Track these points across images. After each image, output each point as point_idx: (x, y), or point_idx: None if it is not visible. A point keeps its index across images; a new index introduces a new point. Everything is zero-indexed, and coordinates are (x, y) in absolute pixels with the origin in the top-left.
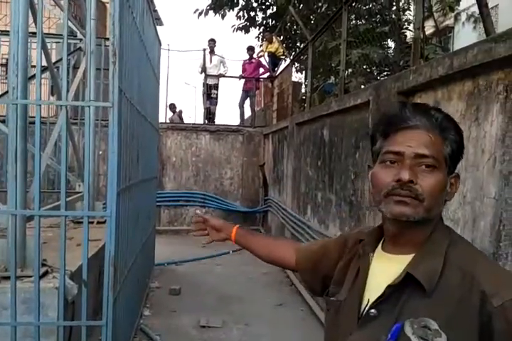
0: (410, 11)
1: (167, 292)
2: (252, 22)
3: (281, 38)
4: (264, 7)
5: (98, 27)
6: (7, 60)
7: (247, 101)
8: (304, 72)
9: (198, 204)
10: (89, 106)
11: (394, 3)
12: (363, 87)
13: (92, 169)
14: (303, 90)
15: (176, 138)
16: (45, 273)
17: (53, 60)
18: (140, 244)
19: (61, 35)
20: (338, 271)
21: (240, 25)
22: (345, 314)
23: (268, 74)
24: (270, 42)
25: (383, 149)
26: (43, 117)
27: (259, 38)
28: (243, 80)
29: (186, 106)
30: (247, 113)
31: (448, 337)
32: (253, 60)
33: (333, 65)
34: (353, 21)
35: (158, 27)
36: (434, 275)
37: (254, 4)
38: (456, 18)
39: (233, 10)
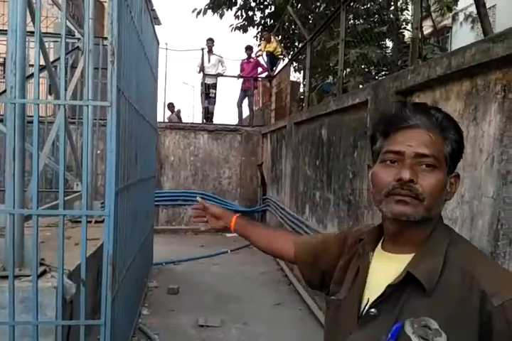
0: (408, 10)
1: (165, 291)
2: (250, 21)
3: (280, 37)
4: (262, 6)
5: (96, 26)
6: (5, 59)
7: (246, 101)
8: (302, 71)
9: (196, 203)
10: (87, 106)
11: (392, 3)
12: (361, 86)
13: (90, 168)
14: (301, 90)
15: (174, 137)
16: (43, 273)
17: (51, 59)
18: (138, 243)
19: (59, 34)
20: (338, 270)
21: (238, 25)
22: (345, 313)
23: (266, 73)
24: (268, 41)
25: (383, 149)
26: (41, 116)
27: (257, 37)
28: (241, 80)
29: (184, 105)
30: (246, 112)
31: (448, 336)
32: (251, 60)
33: (331, 64)
34: (351, 21)
35: (156, 26)
36: (434, 275)
37: (253, 4)
38: (454, 18)
39: (231, 9)
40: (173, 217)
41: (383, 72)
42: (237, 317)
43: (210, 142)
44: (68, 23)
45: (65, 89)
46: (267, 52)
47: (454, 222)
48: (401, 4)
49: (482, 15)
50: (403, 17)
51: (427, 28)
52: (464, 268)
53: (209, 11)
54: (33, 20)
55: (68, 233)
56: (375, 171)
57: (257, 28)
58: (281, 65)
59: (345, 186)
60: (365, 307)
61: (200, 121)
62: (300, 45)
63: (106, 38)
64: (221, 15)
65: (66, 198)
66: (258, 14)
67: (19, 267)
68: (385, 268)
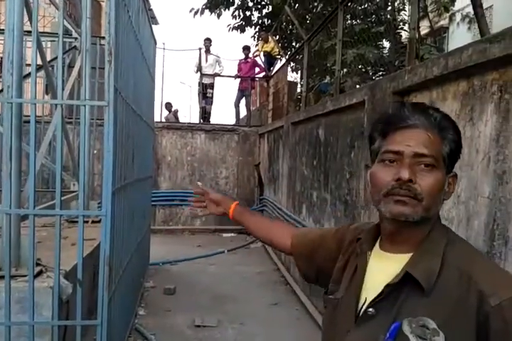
0: (405, 11)
1: (162, 291)
2: (247, 21)
3: (277, 37)
4: (259, 6)
5: (93, 26)
6: (1, 58)
7: (243, 101)
8: (299, 71)
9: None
10: (84, 105)
11: (389, 4)
12: (358, 86)
13: (87, 168)
14: (298, 90)
15: (171, 137)
16: (40, 273)
17: (48, 58)
18: (135, 243)
19: (56, 33)
20: (336, 270)
21: (236, 25)
22: (343, 312)
23: (264, 73)
24: (266, 41)
25: (382, 148)
26: (38, 116)
27: (254, 37)
28: (239, 80)
29: (182, 105)
30: (243, 112)
31: (446, 336)
32: (249, 60)
33: (328, 64)
34: (349, 21)
35: (153, 26)
36: (432, 275)
37: (250, 3)
38: (451, 19)
39: (229, 9)
40: (170, 217)
41: (380, 73)
42: (234, 317)
43: (207, 142)
44: (65, 23)
45: (62, 89)
46: (265, 52)
47: (450, 222)
48: (398, 5)
49: (479, 15)
50: (400, 17)
51: (424, 28)
52: (461, 268)
53: (206, 11)
54: (30, 19)
55: (65, 233)
56: (374, 171)
57: (255, 28)
58: (278, 65)
59: (342, 186)
60: (362, 307)
61: (198, 121)
62: (297, 45)
63: (103, 38)
64: (218, 15)
65: (63, 198)
66: (256, 14)
67: (15, 267)
68: (382, 268)
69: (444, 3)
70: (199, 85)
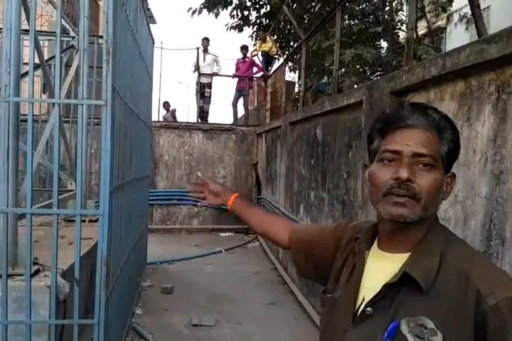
0: (403, 11)
1: (159, 291)
2: (245, 21)
3: (275, 37)
4: (257, 6)
5: (91, 25)
6: None
7: (241, 100)
8: (297, 71)
9: (191, 202)
10: (82, 104)
11: (387, 4)
12: (356, 86)
13: (84, 167)
14: (296, 89)
15: (168, 136)
16: (37, 272)
17: (45, 57)
18: (132, 242)
19: (53, 32)
20: (334, 269)
21: (234, 24)
22: (340, 311)
23: (261, 73)
24: (264, 41)
25: (381, 148)
26: (35, 115)
27: (252, 37)
28: (236, 79)
29: (179, 104)
30: (241, 112)
31: (444, 335)
32: (247, 59)
33: (326, 64)
34: (347, 21)
35: (151, 25)
36: (430, 275)
37: (248, 3)
38: (449, 19)
39: (227, 9)
40: (168, 216)
41: (378, 73)
42: (231, 316)
43: (204, 141)
44: (63, 22)
45: (60, 88)
46: (263, 51)
47: (447, 221)
48: (396, 5)
49: (476, 16)
50: (398, 18)
51: (422, 28)
52: (459, 267)
53: (204, 10)
54: (27, 18)
55: (62, 232)
56: (373, 170)
57: (253, 28)
58: (276, 64)
59: (339, 186)
60: (360, 306)
61: (195, 121)
62: (295, 45)
63: (101, 37)
64: (216, 15)
65: (60, 197)
66: (253, 14)
67: (12, 266)
68: (380, 268)
69: (441, 3)
70: (197, 85)
